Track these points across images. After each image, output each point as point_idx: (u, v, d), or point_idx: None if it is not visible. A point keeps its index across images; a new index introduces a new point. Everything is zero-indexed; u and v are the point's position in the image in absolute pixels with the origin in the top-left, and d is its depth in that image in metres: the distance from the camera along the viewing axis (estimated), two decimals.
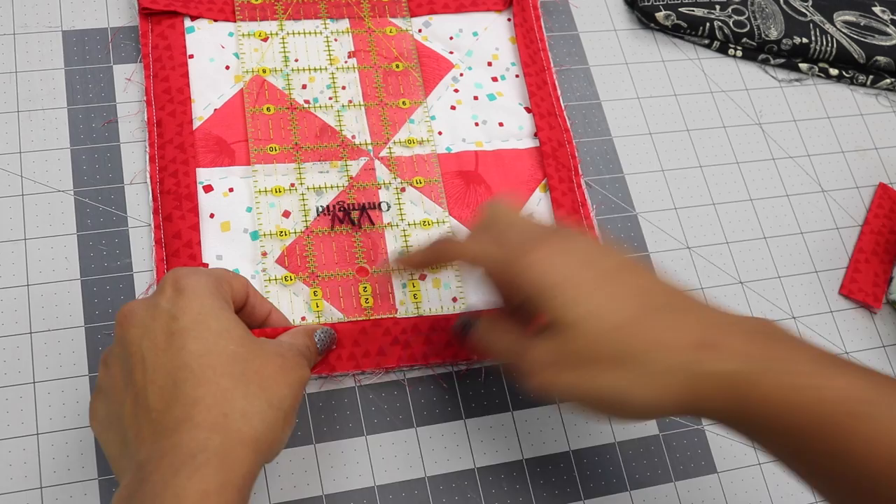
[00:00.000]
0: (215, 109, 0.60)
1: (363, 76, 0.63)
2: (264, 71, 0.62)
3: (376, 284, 0.57)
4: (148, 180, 0.57)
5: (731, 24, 0.69)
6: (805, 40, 0.70)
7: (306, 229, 0.58)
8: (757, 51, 0.70)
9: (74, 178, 0.57)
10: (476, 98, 0.64)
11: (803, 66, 0.71)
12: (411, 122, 0.62)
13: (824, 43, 0.70)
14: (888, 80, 0.71)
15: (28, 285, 0.54)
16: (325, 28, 0.64)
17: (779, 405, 0.40)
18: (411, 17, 0.66)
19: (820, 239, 0.66)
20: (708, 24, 0.69)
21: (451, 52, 0.66)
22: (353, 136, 0.61)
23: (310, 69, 0.63)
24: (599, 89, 0.67)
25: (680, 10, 0.69)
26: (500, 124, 0.64)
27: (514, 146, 0.63)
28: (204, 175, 0.58)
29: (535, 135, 0.64)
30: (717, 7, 0.70)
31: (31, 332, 0.53)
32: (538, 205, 0.61)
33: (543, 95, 0.65)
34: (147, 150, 0.58)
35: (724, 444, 0.57)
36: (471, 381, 0.56)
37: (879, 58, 0.70)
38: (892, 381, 0.40)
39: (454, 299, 0.57)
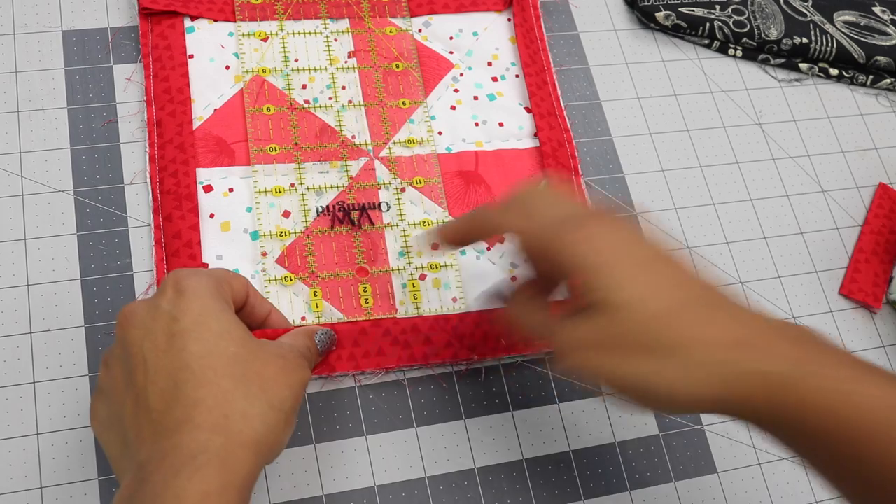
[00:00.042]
0: (215, 109, 0.60)
1: (363, 76, 0.63)
2: (264, 71, 0.62)
3: (376, 284, 0.57)
4: (148, 180, 0.57)
5: (731, 24, 0.69)
6: (805, 40, 0.70)
7: (306, 229, 0.58)
8: (757, 51, 0.71)
9: (74, 178, 0.57)
10: (476, 98, 0.64)
11: (803, 66, 0.71)
12: (411, 122, 0.62)
13: (824, 43, 0.70)
14: (888, 80, 0.71)
15: (28, 285, 0.54)
16: (325, 28, 0.64)
17: (815, 409, 0.39)
18: (411, 17, 0.66)
19: (820, 239, 0.66)
20: (708, 24, 0.69)
21: (451, 52, 0.66)
22: (353, 136, 0.61)
23: (310, 69, 0.63)
24: (599, 89, 0.67)
25: (680, 10, 0.69)
26: (500, 124, 0.64)
27: (514, 146, 0.63)
28: (204, 175, 0.58)
29: (535, 135, 0.64)
30: (717, 7, 0.70)
31: (31, 332, 0.53)
32: None
33: (543, 95, 0.65)
34: (147, 150, 0.58)
35: (724, 444, 0.57)
36: (471, 381, 0.56)
37: (879, 58, 0.70)
38: None
39: (454, 299, 0.57)
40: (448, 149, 0.62)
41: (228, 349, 0.42)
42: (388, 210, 0.59)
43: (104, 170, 0.58)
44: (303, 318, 0.55)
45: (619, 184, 0.64)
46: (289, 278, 0.56)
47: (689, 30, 0.69)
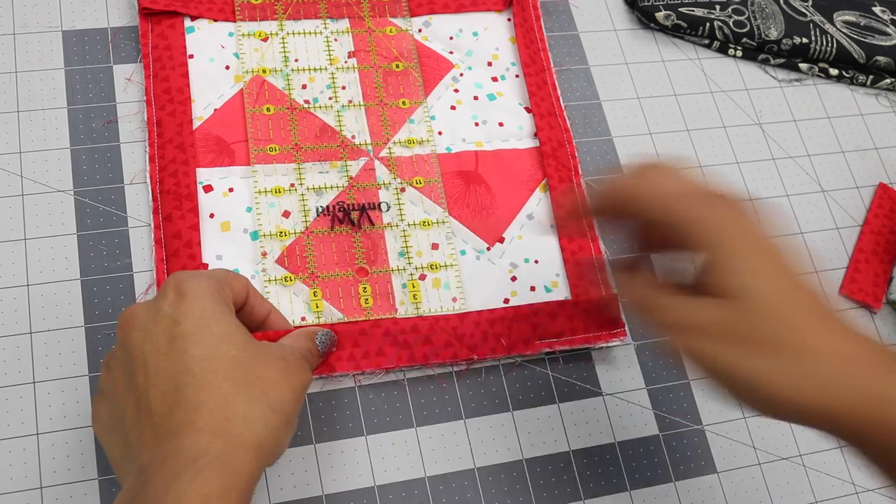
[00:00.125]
0: (215, 109, 0.60)
1: (363, 76, 0.63)
2: (264, 71, 0.62)
3: (376, 285, 0.57)
4: (148, 180, 0.57)
5: (731, 24, 0.69)
6: (805, 40, 0.70)
7: (306, 229, 0.58)
8: (757, 51, 0.71)
9: (74, 178, 0.57)
10: (476, 98, 0.64)
11: (803, 66, 0.71)
12: (411, 122, 0.62)
13: (824, 43, 0.70)
14: (888, 80, 0.71)
15: (28, 285, 0.54)
16: (325, 28, 0.64)
17: None
18: (411, 16, 0.66)
19: (820, 239, 0.66)
20: (708, 24, 0.69)
21: (451, 52, 0.66)
22: (353, 137, 0.61)
23: (310, 69, 0.63)
24: (599, 89, 0.67)
25: (680, 10, 0.69)
26: (500, 124, 0.64)
27: (514, 146, 0.63)
28: (204, 175, 0.58)
29: (535, 135, 0.64)
30: (717, 7, 0.70)
31: (31, 332, 0.53)
32: (538, 205, 0.61)
33: (543, 95, 0.65)
34: (147, 150, 0.58)
35: (724, 444, 0.57)
36: (471, 381, 0.56)
37: (879, 58, 0.70)
38: None
39: (454, 299, 0.57)
40: (448, 149, 0.62)
41: (229, 352, 0.42)
42: (387, 210, 0.59)
43: (104, 170, 0.58)
44: (303, 319, 0.55)
45: None
46: (289, 278, 0.56)
47: (689, 30, 0.69)
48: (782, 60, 0.71)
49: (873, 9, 0.73)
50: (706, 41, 0.70)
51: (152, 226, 0.56)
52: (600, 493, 0.55)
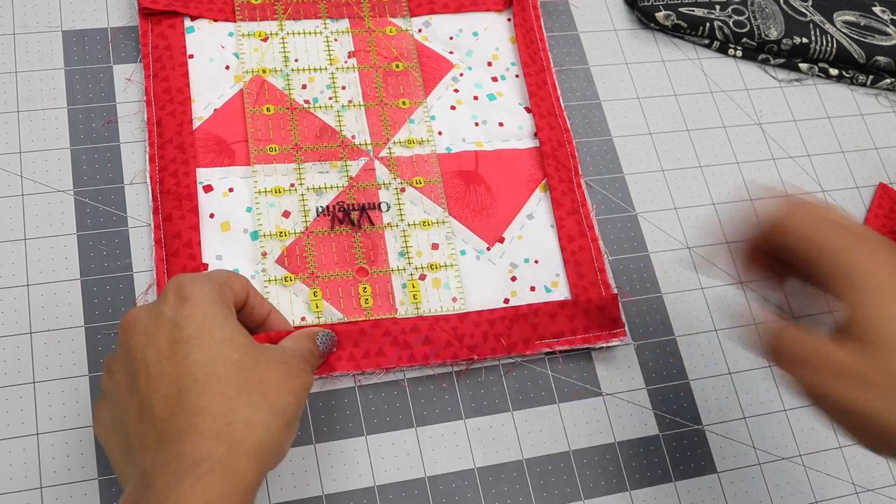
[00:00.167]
0: (215, 109, 0.60)
1: (363, 76, 0.63)
2: (264, 71, 0.62)
3: (376, 285, 0.57)
4: (148, 180, 0.57)
5: (731, 24, 0.69)
6: (805, 40, 0.70)
7: (306, 229, 0.58)
8: (757, 51, 0.70)
9: (74, 178, 0.57)
10: (476, 98, 0.64)
11: (803, 66, 0.71)
12: (411, 122, 0.62)
13: (824, 43, 0.70)
14: (888, 80, 0.71)
15: (28, 285, 0.54)
16: (325, 28, 0.64)
17: None
18: (411, 16, 0.66)
19: None
20: (708, 24, 0.69)
21: (451, 52, 0.66)
22: (353, 137, 0.61)
23: (310, 69, 0.63)
24: (599, 89, 0.67)
25: (680, 10, 0.69)
26: (500, 124, 0.64)
27: (514, 146, 0.63)
28: (204, 175, 0.58)
29: (535, 135, 0.64)
30: (717, 7, 0.70)
31: (31, 332, 0.53)
32: (538, 205, 0.61)
33: (543, 95, 0.65)
34: (147, 150, 0.58)
35: (724, 444, 0.57)
36: (471, 381, 0.56)
37: (879, 58, 0.70)
38: None
39: (454, 299, 0.57)
40: (448, 149, 0.62)
41: (231, 356, 0.42)
42: (387, 210, 0.59)
43: (104, 170, 0.58)
44: (303, 319, 0.55)
45: (619, 184, 0.64)
46: (289, 278, 0.56)
47: (689, 30, 0.69)
48: (782, 60, 0.71)
49: (873, 9, 0.73)
50: (706, 41, 0.70)
51: (152, 226, 0.56)
52: (600, 493, 0.55)
